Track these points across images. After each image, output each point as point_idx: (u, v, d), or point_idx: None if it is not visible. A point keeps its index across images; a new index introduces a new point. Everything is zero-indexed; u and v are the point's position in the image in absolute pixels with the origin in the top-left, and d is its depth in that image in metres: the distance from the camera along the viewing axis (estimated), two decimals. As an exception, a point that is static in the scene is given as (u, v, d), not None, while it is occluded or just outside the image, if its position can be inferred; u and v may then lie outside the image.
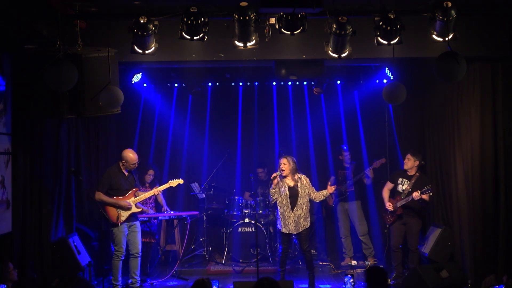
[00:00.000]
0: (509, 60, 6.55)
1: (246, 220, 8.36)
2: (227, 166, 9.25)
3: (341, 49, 5.56)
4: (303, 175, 7.08)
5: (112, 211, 6.81)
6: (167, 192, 8.17)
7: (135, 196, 6.97)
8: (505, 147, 6.61)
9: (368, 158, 8.69)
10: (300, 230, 6.91)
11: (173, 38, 5.52)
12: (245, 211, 8.47)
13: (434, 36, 5.45)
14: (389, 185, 7.65)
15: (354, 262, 8.41)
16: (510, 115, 6.62)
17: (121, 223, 6.79)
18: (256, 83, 9.23)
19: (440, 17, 5.16)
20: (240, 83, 9.18)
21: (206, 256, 8.59)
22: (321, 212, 9.08)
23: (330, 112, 9.33)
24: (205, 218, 8.74)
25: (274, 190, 6.95)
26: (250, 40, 5.44)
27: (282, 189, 6.93)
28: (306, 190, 6.96)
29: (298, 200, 6.90)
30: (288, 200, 6.90)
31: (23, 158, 6.16)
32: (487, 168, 6.63)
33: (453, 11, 5.12)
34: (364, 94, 9.11)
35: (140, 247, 7.01)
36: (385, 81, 8.03)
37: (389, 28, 5.25)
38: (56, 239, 6.69)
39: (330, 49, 5.63)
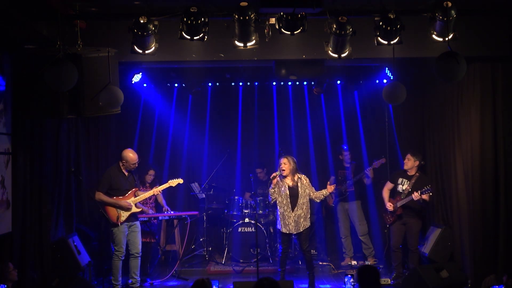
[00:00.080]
0: (509, 60, 6.55)
1: (246, 220, 8.35)
2: (227, 166, 9.24)
3: (341, 49, 5.56)
4: (303, 175, 7.08)
5: (112, 211, 6.81)
6: (167, 192, 8.16)
7: (135, 196, 6.97)
8: (505, 147, 6.61)
9: (368, 158, 8.68)
10: (300, 230, 6.92)
11: (173, 38, 5.51)
12: (245, 211, 8.46)
13: (434, 36, 5.45)
14: (389, 185, 7.65)
15: (354, 262, 8.40)
16: (510, 115, 6.63)
17: (121, 223, 6.79)
18: (256, 83, 9.22)
19: (440, 17, 5.16)
20: (240, 83, 9.18)
21: (206, 256, 8.58)
22: (321, 212, 9.08)
23: (330, 112, 9.32)
24: (205, 218, 8.74)
25: (273, 190, 6.95)
26: (250, 40, 5.44)
27: (282, 189, 6.93)
28: (306, 190, 6.96)
29: (298, 200, 6.90)
30: (288, 200, 6.90)
31: (23, 158, 6.16)
32: (487, 168, 6.63)
33: (453, 11, 5.12)
34: (364, 94, 9.11)
35: (140, 247, 7.01)
36: (385, 81, 8.04)
37: (389, 28, 5.25)
38: (56, 239, 6.69)
39: (330, 49, 5.63)
